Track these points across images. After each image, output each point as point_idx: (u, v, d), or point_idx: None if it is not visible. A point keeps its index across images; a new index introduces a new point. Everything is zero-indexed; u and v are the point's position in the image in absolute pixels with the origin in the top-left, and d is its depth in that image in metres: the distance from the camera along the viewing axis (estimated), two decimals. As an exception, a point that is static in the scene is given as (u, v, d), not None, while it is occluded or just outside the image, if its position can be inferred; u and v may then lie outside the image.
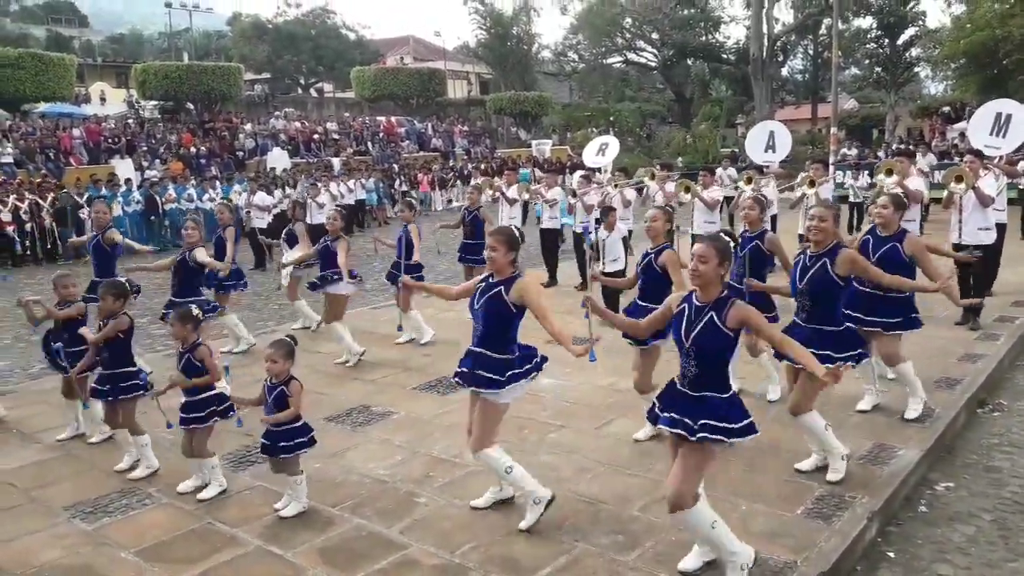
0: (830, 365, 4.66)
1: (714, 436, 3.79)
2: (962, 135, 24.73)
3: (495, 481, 4.88)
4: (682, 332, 3.92)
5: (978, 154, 8.94)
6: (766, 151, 13.03)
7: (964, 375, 6.94)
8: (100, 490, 5.35)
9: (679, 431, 3.85)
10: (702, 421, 3.81)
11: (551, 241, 12.03)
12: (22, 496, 5.34)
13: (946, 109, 31.54)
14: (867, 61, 41.18)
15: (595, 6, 43.63)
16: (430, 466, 5.55)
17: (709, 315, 3.86)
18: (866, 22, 39.65)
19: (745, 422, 3.86)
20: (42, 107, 27.86)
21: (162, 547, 4.58)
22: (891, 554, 4.48)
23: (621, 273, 9.06)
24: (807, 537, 4.38)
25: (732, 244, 4.15)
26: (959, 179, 8.39)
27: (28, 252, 17.64)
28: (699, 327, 3.87)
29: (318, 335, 9.24)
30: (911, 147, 18.87)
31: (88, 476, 5.62)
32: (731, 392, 3.93)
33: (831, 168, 18.04)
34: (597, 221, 10.77)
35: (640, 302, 5.72)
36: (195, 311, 5.28)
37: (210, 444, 5.27)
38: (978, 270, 8.58)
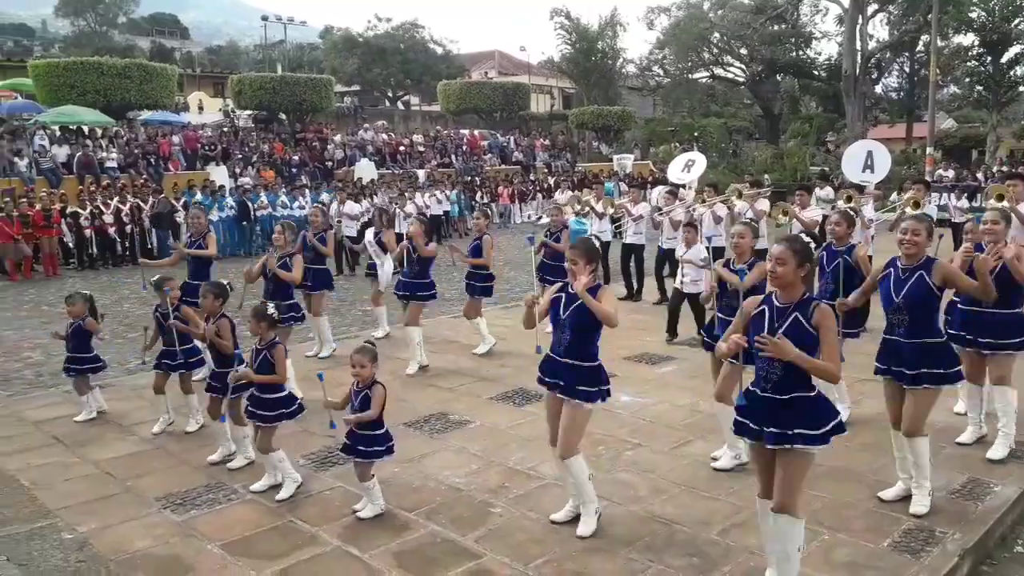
0: (930, 386, 4.71)
1: (810, 446, 3.75)
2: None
3: (568, 495, 4.88)
4: (765, 334, 3.81)
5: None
6: (864, 171, 12.67)
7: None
8: (189, 483, 5.57)
9: (786, 445, 3.76)
10: (797, 430, 3.74)
11: (636, 256, 11.92)
12: (119, 485, 5.60)
13: (1052, 130, 30.05)
14: (967, 79, 39.55)
15: (683, 21, 43.25)
16: (505, 477, 5.58)
17: (794, 316, 3.79)
18: (967, 39, 38.18)
19: (836, 420, 3.82)
20: (145, 115, 29.20)
21: (246, 542, 4.73)
22: (984, 595, 4.28)
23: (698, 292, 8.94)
24: (893, 571, 4.23)
25: (812, 245, 4.07)
26: (1000, 198, 8.02)
27: (127, 253, 18.51)
28: (784, 328, 3.78)
29: (396, 342, 9.43)
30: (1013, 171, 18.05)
31: (179, 469, 5.85)
32: (816, 389, 3.86)
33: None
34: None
35: (723, 315, 5.70)
36: (270, 310, 5.44)
37: (294, 444, 5.44)
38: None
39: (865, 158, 12.65)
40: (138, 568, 4.46)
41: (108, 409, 7.15)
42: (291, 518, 5.02)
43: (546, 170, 32.87)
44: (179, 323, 6.31)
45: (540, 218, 26.08)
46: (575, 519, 4.81)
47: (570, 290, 4.69)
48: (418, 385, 7.87)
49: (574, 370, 4.62)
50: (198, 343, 6.55)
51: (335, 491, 5.40)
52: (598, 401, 4.69)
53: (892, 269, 4.98)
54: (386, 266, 9.19)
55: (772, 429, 3.78)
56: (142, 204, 18.67)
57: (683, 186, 13.49)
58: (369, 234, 9.07)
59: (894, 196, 12.40)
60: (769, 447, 3.82)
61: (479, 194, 25.75)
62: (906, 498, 4.94)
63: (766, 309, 3.89)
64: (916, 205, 9.88)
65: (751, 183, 13.44)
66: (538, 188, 28.08)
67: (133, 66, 28.42)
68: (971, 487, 5.23)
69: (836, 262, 6.22)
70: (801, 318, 3.77)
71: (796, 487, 3.83)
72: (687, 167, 13.80)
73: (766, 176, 28.97)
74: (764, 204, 11.65)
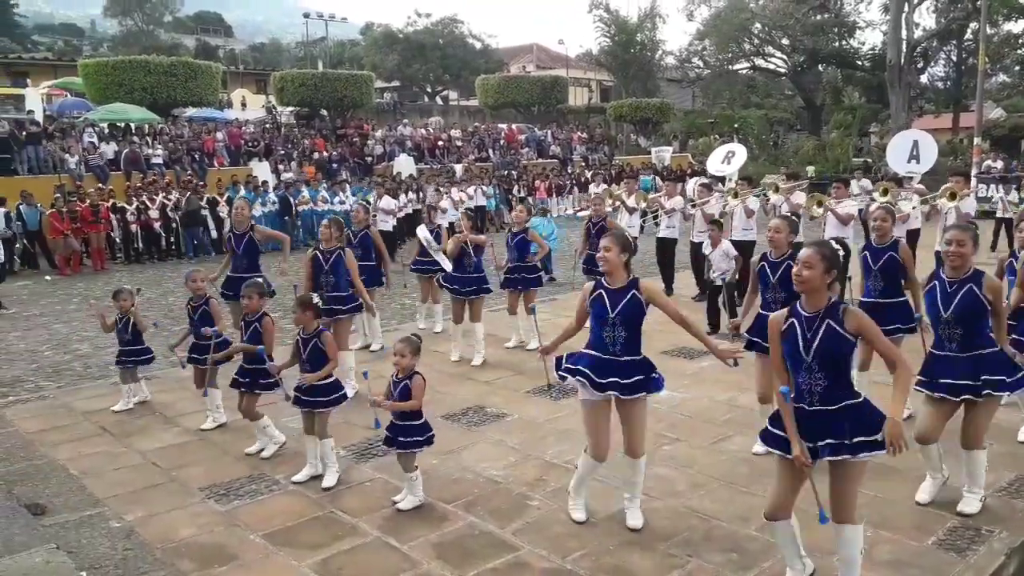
0: (993, 394, 4.57)
1: (876, 453, 3.66)
2: None
3: (603, 491, 4.88)
4: (800, 348, 3.70)
5: None
6: (909, 161, 12.40)
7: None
8: (232, 474, 5.68)
9: (844, 456, 3.66)
10: (858, 438, 3.64)
11: (668, 250, 11.86)
12: (164, 475, 5.73)
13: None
14: (1017, 68, 38.52)
15: (723, 12, 42.69)
16: (543, 470, 5.59)
17: (826, 324, 3.67)
18: (1018, 26, 37.12)
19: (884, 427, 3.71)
20: (190, 112, 29.71)
21: (288, 532, 4.81)
22: (1032, 595, 4.19)
23: (731, 287, 8.86)
24: (938, 570, 4.16)
25: (840, 252, 3.93)
26: None
27: (173, 247, 18.89)
28: (819, 337, 3.67)
29: (438, 336, 9.49)
30: None
31: (222, 460, 5.97)
32: (862, 395, 3.79)
33: (973, 181, 17.01)
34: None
35: (765, 312, 5.57)
36: (315, 299, 5.53)
37: (336, 435, 5.51)
38: None
39: (911, 148, 12.38)
40: (183, 556, 4.56)
41: (152, 399, 7.32)
42: (332, 509, 5.09)
43: (583, 163, 32.75)
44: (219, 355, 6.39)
45: (580, 210, 25.93)
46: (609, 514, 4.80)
47: (606, 284, 4.63)
48: (456, 378, 7.91)
49: (635, 366, 4.57)
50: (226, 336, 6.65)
51: (375, 482, 5.46)
52: (662, 390, 4.70)
53: (936, 282, 4.72)
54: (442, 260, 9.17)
55: (829, 441, 3.66)
56: (197, 199, 19.01)
57: (722, 179, 13.35)
58: (422, 230, 9.07)
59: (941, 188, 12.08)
60: (827, 459, 3.71)
61: (516, 188, 25.75)
62: (944, 498, 4.85)
63: (795, 322, 3.76)
64: (953, 196, 9.65)
65: (788, 176, 13.24)
66: (574, 182, 27.99)
67: (178, 64, 28.94)
68: (1018, 485, 5.12)
69: (884, 257, 6.02)
70: (835, 324, 3.67)
71: (855, 496, 3.79)
72: (727, 159, 13.64)
73: (809, 168, 28.54)
74: (801, 198, 11.46)
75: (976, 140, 24.62)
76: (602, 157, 35.14)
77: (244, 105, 38.54)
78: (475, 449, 6.04)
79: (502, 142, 33.23)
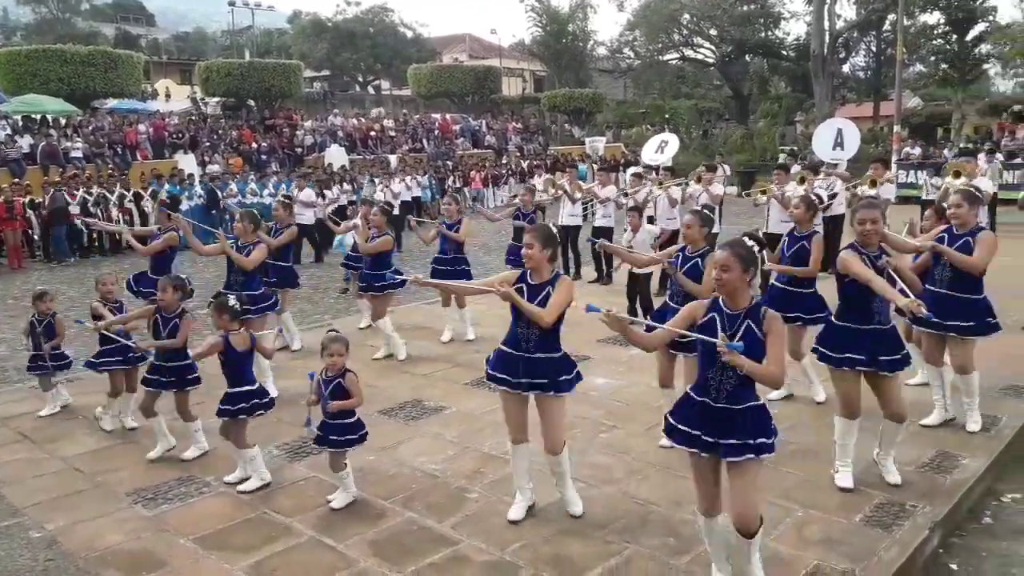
0: None
1: (769, 455, 3.70)
2: (1034, 134, 23.88)
3: (518, 488, 4.80)
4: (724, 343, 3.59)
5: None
6: (834, 148, 12.87)
7: (1033, 383, 6.70)
8: (160, 477, 5.49)
9: (750, 455, 3.64)
10: (760, 439, 3.66)
11: (605, 239, 11.87)
12: (87, 481, 5.51)
13: (1017, 107, 30.43)
14: (933, 58, 39.98)
15: (653, 2, 43.15)
16: (481, 462, 5.57)
17: (747, 323, 3.67)
18: (933, 17, 38.51)
19: (775, 430, 3.78)
20: (110, 103, 28.68)
21: (219, 535, 4.68)
22: (953, 566, 4.35)
23: (649, 277, 9.01)
24: (866, 546, 4.28)
25: (757, 248, 3.86)
26: None
27: (96, 243, 18.21)
28: (740, 336, 3.64)
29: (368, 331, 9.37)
30: (974, 148, 18.48)
31: (149, 464, 5.76)
32: (761, 398, 3.79)
33: (893, 167, 17.65)
34: (651, 219, 10.70)
35: (673, 304, 5.56)
36: (232, 302, 5.30)
37: (267, 435, 5.38)
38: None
39: (835, 136, 12.85)
40: (109, 565, 4.39)
41: (73, 403, 7.04)
42: (265, 510, 4.97)
43: (518, 154, 32.77)
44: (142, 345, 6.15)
45: (514, 197, 25.89)
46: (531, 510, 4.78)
47: (530, 280, 4.53)
48: (392, 372, 7.83)
49: (549, 363, 4.51)
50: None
51: (309, 481, 5.36)
52: (574, 389, 4.63)
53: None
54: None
55: (731, 441, 3.65)
56: (108, 194, 18.34)
57: (657, 169, 13.53)
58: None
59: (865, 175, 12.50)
60: (729, 460, 3.67)
61: (451, 179, 25.61)
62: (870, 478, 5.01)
63: (716, 317, 3.74)
64: (873, 184, 9.98)
65: (706, 167, 13.51)
66: (511, 172, 27.98)
67: (97, 53, 27.89)
68: (940, 460, 5.31)
69: (796, 246, 6.24)
70: (755, 326, 3.66)
71: (757, 496, 3.77)
72: (660, 148, 13.84)
73: (726, 159, 29.02)
74: (719, 189, 11.65)
75: (895, 128, 25.49)
76: (537, 147, 35.22)
77: (168, 96, 37.42)
78: (413, 443, 5.98)
79: (436, 132, 33.00)
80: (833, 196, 11.43)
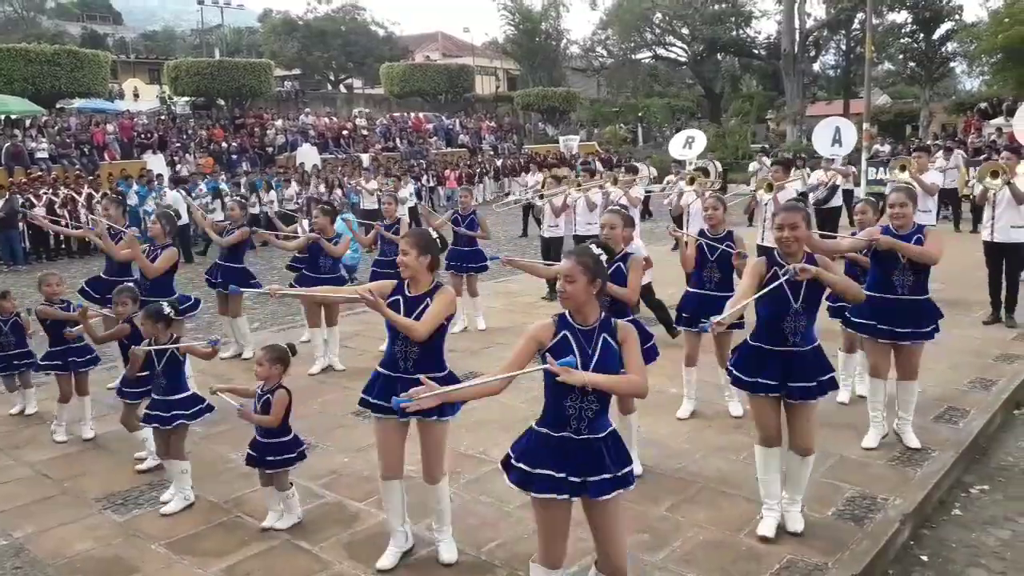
0: None
1: (628, 489, 3.35)
2: (999, 131, 24.31)
3: (393, 533, 4.38)
4: (577, 367, 3.17)
5: (1015, 150, 8.78)
6: (832, 145, 13.91)
7: (1000, 376, 6.83)
8: (130, 483, 5.41)
9: (618, 491, 3.28)
10: (622, 471, 3.30)
11: (554, 249, 10.71)
12: (56, 487, 5.42)
13: (983, 105, 30.96)
14: (901, 56, 40.48)
15: (625, 1, 43.35)
16: (456, 462, 5.54)
17: (602, 338, 3.29)
18: (901, 16, 39.02)
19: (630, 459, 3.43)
20: (77, 103, 28.27)
21: (191, 539, 4.62)
22: (924, 558, 4.40)
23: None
24: (838, 539, 4.32)
25: (604, 256, 3.41)
26: (995, 175, 8.24)
27: (63, 246, 17.94)
28: (598, 355, 3.27)
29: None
30: (929, 143, 18.94)
31: (119, 469, 5.68)
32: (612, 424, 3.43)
33: (863, 164, 18.03)
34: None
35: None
36: (166, 309, 5.08)
37: (234, 440, 5.27)
38: (1012, 268, 8.40)
39: (834, 133, 13.86)
40: (78, 571, 4.33)
41: (39, 409, 6.90)
42: (238, 513, 4.92)
43: (492, 152, 32.74)
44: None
45: (508, 194, 25.32)
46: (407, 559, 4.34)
47: (407, 292, 4.08)
48: (365, 373, 7.73)
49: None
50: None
51: (283, 484, 5.30)
52: (458, 413, 4.27)
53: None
54: None
55: (605, 476, 3.25)
56: (76, 196, 18.06)
57: (683, 163, 13.97)
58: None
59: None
60: (597, 499, 3.26)
61: (425, 178, 25.52)
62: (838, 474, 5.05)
63: (567, 335, 3.30)
64: (769, 188, 10.09)
65: (626, 169, 13.57)
66: (485, 171, 27.94)
67: (63, 53, 27.49)
68: (910, 454, 5.38)
69: (718, 250, 5.93)
70: (610, 339, 3.30)
71: (624, 537, 3.47)
72: (688, 144, 14.22)
73: (643, 161, 28.93)
74: (639, 191, 11.46)
75: (865, 125, 25.76)
76: (511, 146, 35.23)
77: (137, 96, 37.03)
78: (387, 444, 5.93)
79: (409, 131, 32.88)
80: (833, 190, 12.10)
